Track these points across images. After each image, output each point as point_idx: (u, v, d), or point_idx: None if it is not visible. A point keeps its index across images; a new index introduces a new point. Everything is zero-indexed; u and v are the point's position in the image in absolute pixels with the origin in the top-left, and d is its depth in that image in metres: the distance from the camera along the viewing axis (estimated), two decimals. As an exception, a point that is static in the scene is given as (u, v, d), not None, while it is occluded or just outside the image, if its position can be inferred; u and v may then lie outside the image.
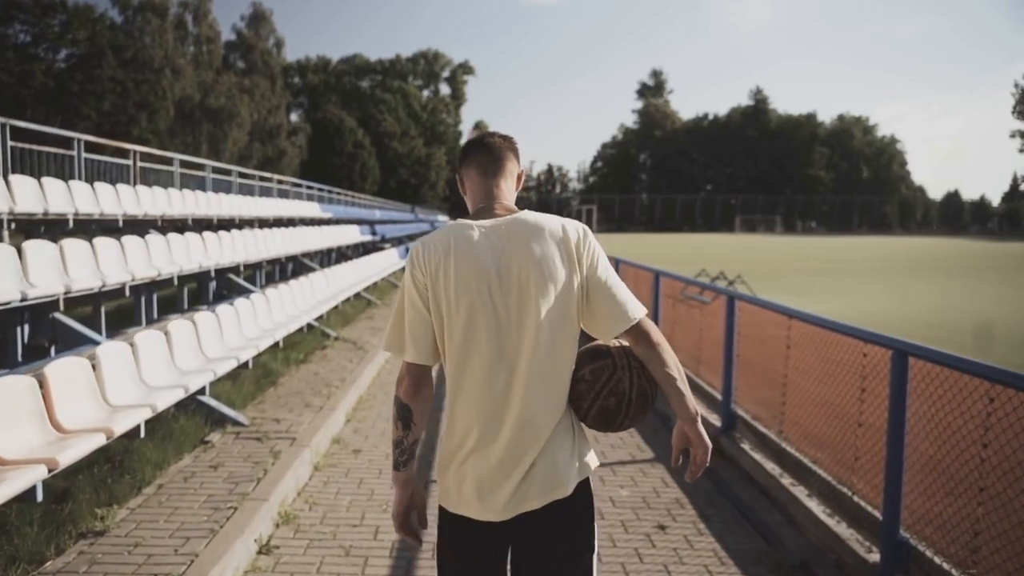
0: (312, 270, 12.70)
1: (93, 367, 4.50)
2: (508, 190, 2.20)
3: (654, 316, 8.94)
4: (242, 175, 16.48)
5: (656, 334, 2.07)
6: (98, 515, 4.13)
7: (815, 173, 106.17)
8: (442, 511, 2.12)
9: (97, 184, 8.61)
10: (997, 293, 21.83)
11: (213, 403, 6.09)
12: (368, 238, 21.98)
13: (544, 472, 2.01)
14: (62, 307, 5.78)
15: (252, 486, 4.79)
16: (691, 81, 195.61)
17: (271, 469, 5.10)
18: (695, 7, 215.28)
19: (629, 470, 5.81)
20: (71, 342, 5.96)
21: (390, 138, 78.36)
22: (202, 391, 5.87)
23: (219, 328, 6.59)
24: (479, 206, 2.16)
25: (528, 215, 2.11)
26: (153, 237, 7.87)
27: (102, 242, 6.93)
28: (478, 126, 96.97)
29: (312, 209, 19.36)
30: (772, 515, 5.00)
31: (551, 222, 2.09)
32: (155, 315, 8.13)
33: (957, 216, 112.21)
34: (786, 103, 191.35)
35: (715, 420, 6.77)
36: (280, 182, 19.54)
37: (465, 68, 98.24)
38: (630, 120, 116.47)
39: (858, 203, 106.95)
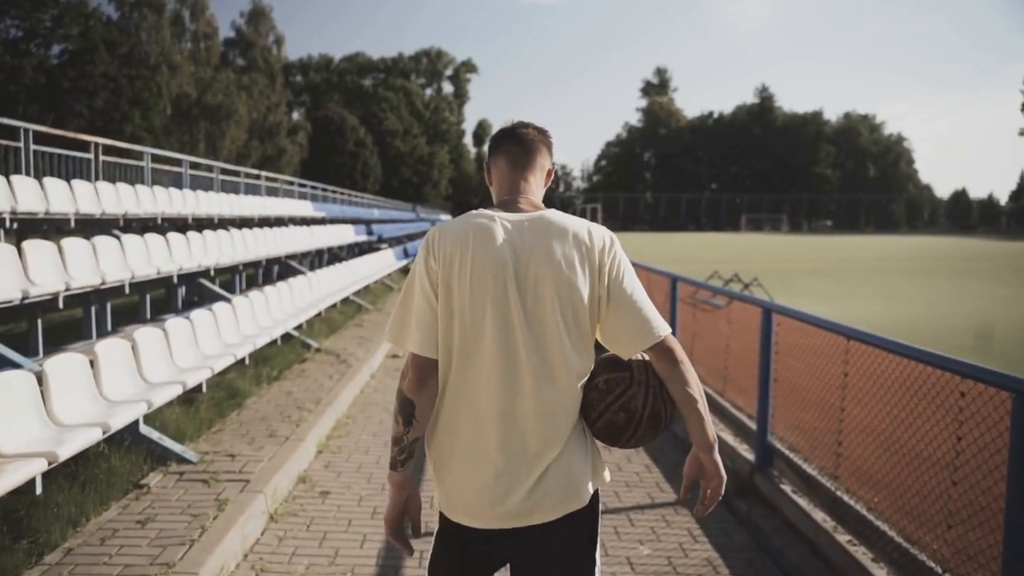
0: (299, 273, 11.74)
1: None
2: (536, 185, 2.12)
3: (671, 326, 7.96)
4: (226, 171, 15.52)
5: (680, 352, 1.96)
6: (-37, 604, 3.18)
7: (821, 171, 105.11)
8: (442, 518, 2.02)
9: (47, 179, 7.66)
10: (1013, 294, 20.84)
11: (155, 436, 5.13)
12: (363, 238, 21.01)
13: (559, 480, 1.91)
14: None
15: (182, 551, 3.83)
16: (696, 79, 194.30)
17: (211, 526, 4.14)
18: (695, 7, 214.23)
19: (648, 518, 4.85)
20: (-11, 364, 5.01)
21: (392, 136, 77.60)
22: (136, 424, 4.91)
23: (167, 346, 5.63)
24: (503, 198, 2.08)
25: (554, 214, 2.02)
26: (102, 239, 6.92)
27: (35, 245, 5.98)
28: (482, 125, 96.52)
29: (304, 208, 18.41)
30: (829, 584, 4.04)
31: (577, 225, 2.00)
32: (108, 327, 7.19)
33: (965, 215, 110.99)
34: (791, 101, 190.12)
35: (747, 453, 5.82)
36: (269, 179, 18.55)
37: (468, 66, 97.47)
38: (634, 118, 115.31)
39: (865, 202, 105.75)
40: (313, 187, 23.58)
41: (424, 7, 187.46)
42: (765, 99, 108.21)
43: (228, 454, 5.38)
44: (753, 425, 6.00)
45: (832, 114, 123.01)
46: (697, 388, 1.95)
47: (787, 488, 5.04)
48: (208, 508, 4.41)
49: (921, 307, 17.11)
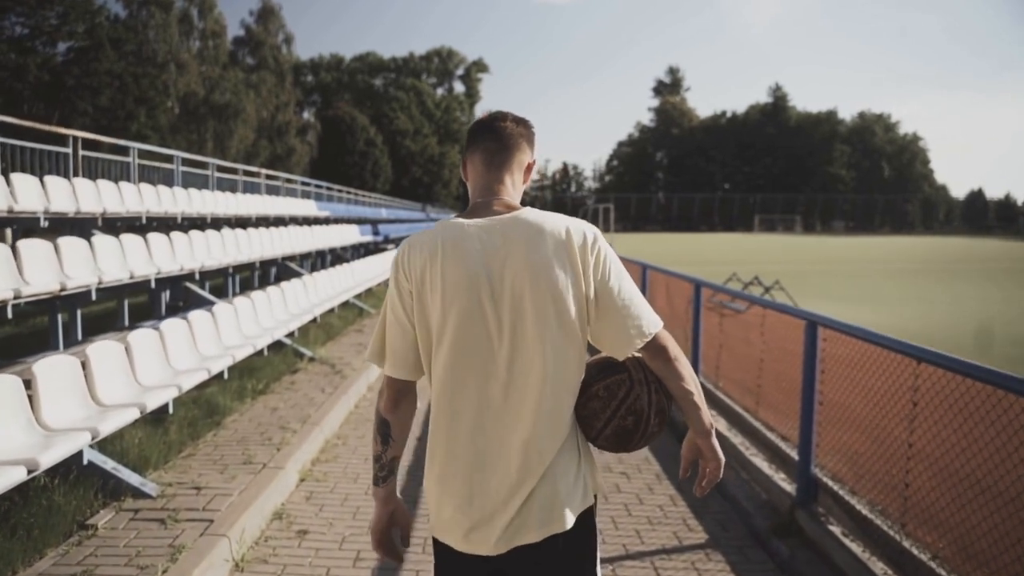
0: (298, 275, 11.09)
1: None
2: (513, 184, 1.95)
3: (695, 336, 7.28)
4: (222, 169, 14.89)
5: (673, 347, 1.87)
6: None
7: (836, 171, 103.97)
8: (434, 540, 1.93)
9: (15, 175, 7.04)
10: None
11: (109, 465, 4.48)
12: (369, 238, 20.37)
13: (542, 500, 1.78)
14: None
15: (118, 618, 3.18)
16: (709, 78, 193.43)
17: (158, 582, 3.48)
18: (708, 6, 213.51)
19: (676, 566, 4.16)
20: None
21: (403, 136, 77.11)
22: (80, 456, 4.25)
23: (128, 362, 4.98)
24: (476, 200, 1.94)
25: (529, 213, 1.86)
26: (67, 240, 6.28)
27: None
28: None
29: (306, 207, 17.76)
30: (898, 657, 3.35)
31: (554, 222, 1.84)
32: (79, 337, 6.57)
33: (982, 215, 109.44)
34: (805, 101, 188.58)
35: (784, 483, 5.13)
36: (270, 177, 17.92)
37: (479, 66, 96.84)
38: (647, 118, 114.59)
39: (880, 202, 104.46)
40: (317, 186, 22.92)
41: (435, 7, 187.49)
42: (779, 98, 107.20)
43: (194, 486, 4.72)
44: (790, 451, 5.32)
45: (846, 113, 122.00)
46: (692, 380, 1.88)
47: (836, 529, 4.36)
48: (159, 557, 3.75)
49: (926, 308, 16.35)
